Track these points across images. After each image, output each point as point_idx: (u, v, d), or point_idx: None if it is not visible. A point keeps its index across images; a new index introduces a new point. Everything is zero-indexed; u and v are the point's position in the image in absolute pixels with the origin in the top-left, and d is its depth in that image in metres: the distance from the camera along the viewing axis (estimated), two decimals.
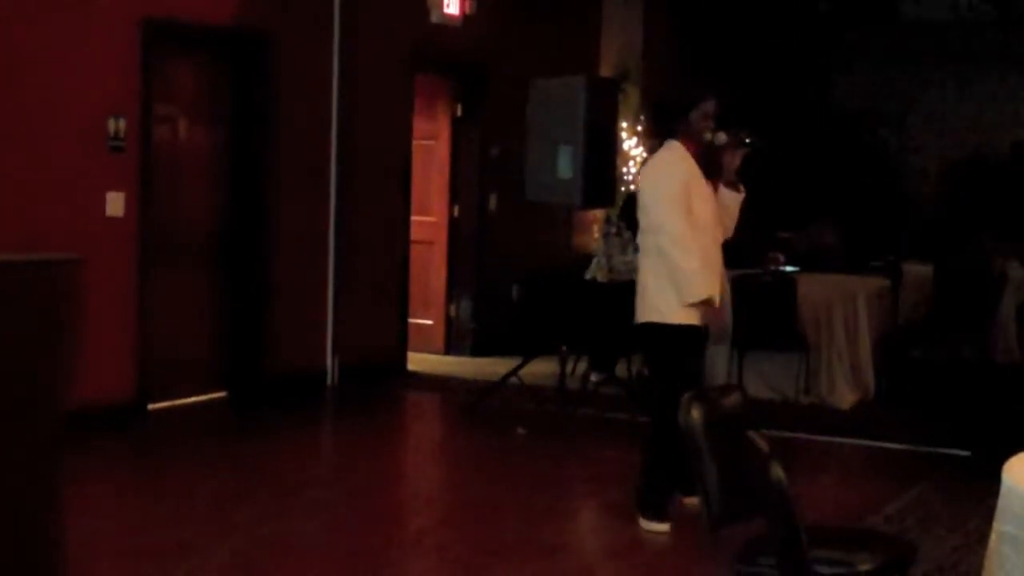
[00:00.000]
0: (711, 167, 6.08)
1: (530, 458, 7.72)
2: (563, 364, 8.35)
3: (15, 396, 3.80)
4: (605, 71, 12.51)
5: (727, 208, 6.13)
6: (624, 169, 12.29)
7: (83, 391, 6.03)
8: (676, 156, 5.99)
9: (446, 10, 10.58)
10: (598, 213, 11.22)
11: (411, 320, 10.70)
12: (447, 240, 11.27)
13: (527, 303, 10.91)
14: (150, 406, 8.20)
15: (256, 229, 8.95)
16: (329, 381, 9.60)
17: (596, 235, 11.44)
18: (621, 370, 9.46)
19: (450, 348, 11.27)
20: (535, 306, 10.52)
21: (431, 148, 11.17)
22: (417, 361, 10.65)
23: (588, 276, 9.60)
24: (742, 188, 6.17)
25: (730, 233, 6.27)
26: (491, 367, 10.06)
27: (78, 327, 4.26)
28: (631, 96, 12.59)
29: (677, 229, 5.84)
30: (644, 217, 6.05)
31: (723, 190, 6.11)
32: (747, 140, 6.02)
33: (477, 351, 11.11)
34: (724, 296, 6.65)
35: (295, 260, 9.29)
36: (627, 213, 9.69)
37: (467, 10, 10.78)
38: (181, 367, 8.54)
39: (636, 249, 9.48)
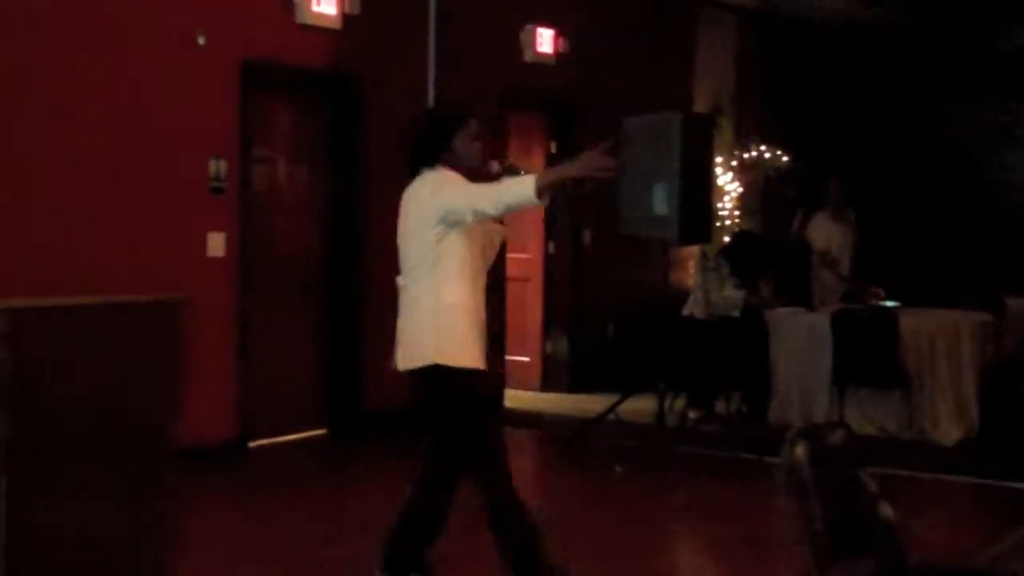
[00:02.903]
0: None
1: (628, 495, 7.67)
2: (661, 401, 8.30)
3: (126, 432, 3.89)
4: (699, 106, 12.49)
5: (492, 241, 5.41)
6: (719, 204, 12.25)
7: (186, 428, 6.09)
8: (446, 173, 5.17)
9: (539, 49, 10.63)
10: (694, 249, 11.17)
11: (508, 357, 10.71)
12: (543, 277, 11.29)
13: (623, 339, 10.87)
14: (251, 444, 8.28)
15: (352, 267, 9.03)
16: None
17: (692, 271, 11.38)
18: (720, 407, 9.39)
19: (546, 384, 11.26)
20: (631, 342, 10.48)
21: None
22: (514, 398, 10.65)
23: (685, 312, 9.55)
24: (504, 222, 5.47)
25: (487, 265, 5.41)
26: (587, 404, 10.04)
27: (184, 366, 4.34)
28: (725, 131, 12.55)
29: (477, 191, 5.13)
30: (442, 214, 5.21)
31: (489, 224, 5.33)
32: (522, 170, 5.38)
33: (573, 387, 11.09)
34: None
35: (391, 297, 9.32)
36: (730, 251, 9.65)
37: (560, 48, 10.82)
38: (281, 405, 8.62)
39: (734, 285, 9.50)
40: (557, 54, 10.79)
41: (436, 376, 5.07)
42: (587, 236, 11.32)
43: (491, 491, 5.23)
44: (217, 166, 8.03)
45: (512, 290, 10.79)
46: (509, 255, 10.64)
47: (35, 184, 7.04)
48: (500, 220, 5.39)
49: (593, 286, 11.29)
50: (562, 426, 9.60)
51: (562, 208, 5.02)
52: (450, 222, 5.03)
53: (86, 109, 7.30)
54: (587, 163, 5.15)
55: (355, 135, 9.07)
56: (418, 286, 5.14)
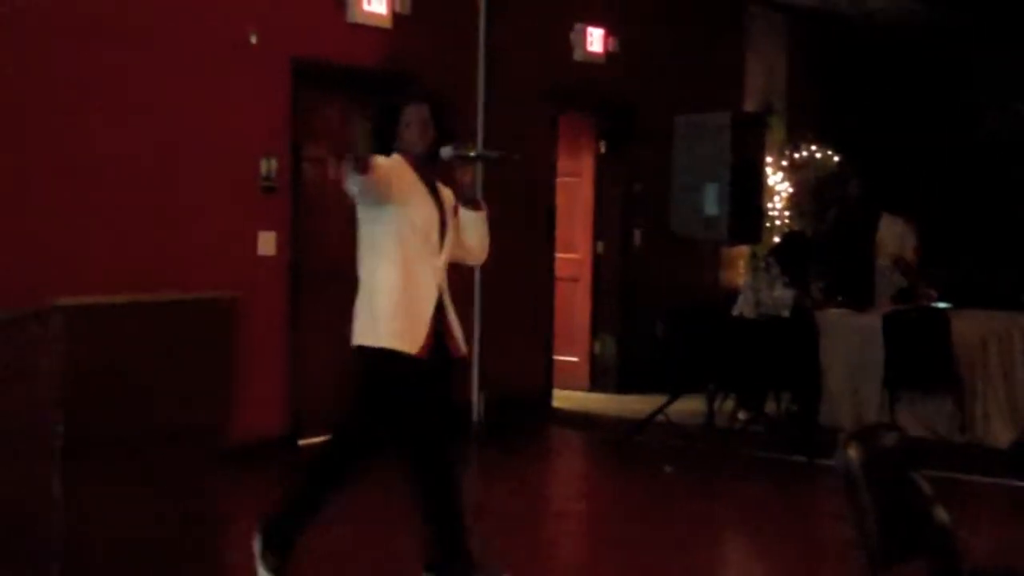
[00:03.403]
0: (459, 185, 5.33)
1: (677, 496, 7.64)
2: (711, 402, 8.26)
3: (178, 430, 3.91)
4: (749, 106, 12.43)
5: (469, 229, 5.37)
6: (769, 204, 12.18)
7: (237, 426, 6.11)
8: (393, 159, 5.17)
9: (589, 48, 10.61)
10: (744, 249, 11.12)
11: (556, 357, 10.70)
12: (591, 277, 11.28)
13: (672, 340, 10.81)
14: (300, 441, 8.31)
15: None
16: (475, 416, 9.64)
17: (742, 271, 11.34)
18: (769, 407, 9.33)
19: (595, 385, 11.25)
20: (680, 343, 10.43)
21: (575, 185, 11.20)
22: (562, 398, 10.64)
23: (735, 312, 9.50)
24: (482, 205, 5.41)
25: (480, 258, 5.54)
26: (636, 404, 10.01)
27: (235, 364, 4.37)
28: (776, 131, 12.48)
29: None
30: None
31: (462, 211, 5.34)
32: (473, 154, 5.26)
33: (622, 388, 11.07)
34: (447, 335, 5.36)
35: None
36: (780, 251, 9.58)
37: (610, 48, 10.80)
38: (331, 402, 8.62)
39: (785, 284, 9.44)
40: (607, 53, 10.77)
41: (361, 355, 5.08)
42: (637, 236, 11.29)
43: (334, 450, 5.30)
44: (268, 165, 8.06)
45: (561, 290, 10.78)
46: (558, 255, 10.64)
47: (88, 183, 7.09)
48: (476, 206, 5.34)
49: (642, 286, 11.25)
50: (611, 427, 9.58)
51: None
52: (363, 204, 5.07)
53: (140, 108, 7.34)
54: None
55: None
56: (360, 268, 5.18)
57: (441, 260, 5.24)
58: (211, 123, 7.73)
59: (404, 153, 5.21)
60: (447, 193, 5.37)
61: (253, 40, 7.91)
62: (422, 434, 5.24)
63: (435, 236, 5.21)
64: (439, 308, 5.23)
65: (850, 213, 10.77)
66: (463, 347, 5.37)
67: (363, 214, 5.15)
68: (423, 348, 5.10)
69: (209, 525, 4.07)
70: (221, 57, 7.78)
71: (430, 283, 5.19)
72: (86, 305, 3.79)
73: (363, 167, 4.77)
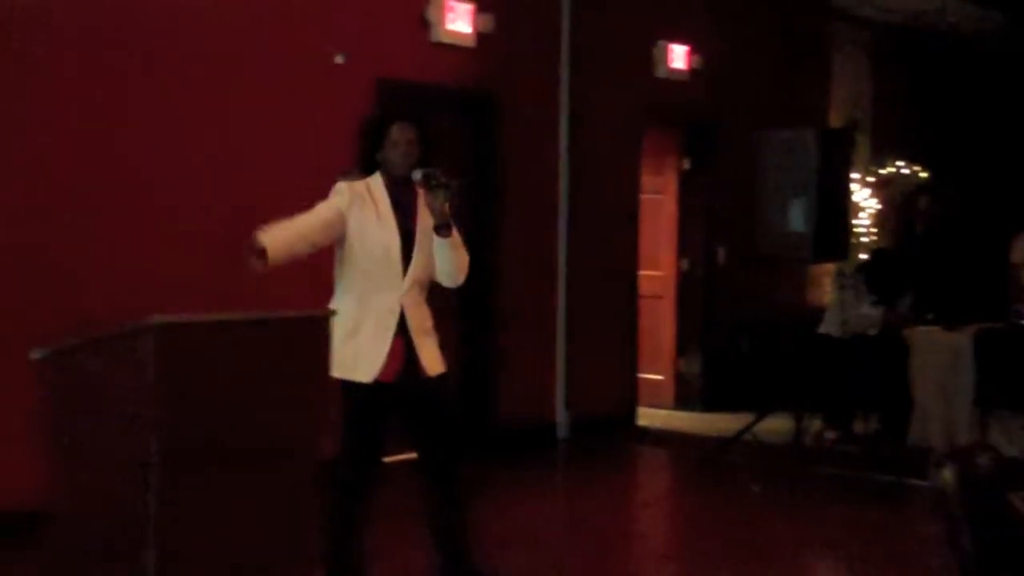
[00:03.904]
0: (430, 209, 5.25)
1: (765, 515, 7.57)
2: (798, 420, 8.19)
3: (271, 447, 3.95)
4: (834, 122, 12.33)
5: (438, 254, 5.33)
6: (855, 221, 12.06)
7: (327, 443, 6.14)
8: (361, 182, 5.28)
9: (673, 65, 10.58)
10: (830, 266, 11.02)
11: (640, 375, 10.66)
12: (676, 294, 11.23)
13: (758, 358, 10.75)
14: (385, 459, 8.31)
15: (488, 284, 9.06)
16: (560, 435, 9.63)
17: (828, 288, 11.22)
18: (858, 426, 9.23)
19: (680, 403, 11.19)
20: (766, 361, 10.36)
21: (659, 202, 11.16)
22: (647, 416, 10.60)
23: (821, 331, 9.40)
24: (452, 232, 5.30)
25: (454, 281, 5.48)
26: (722, 423, 9.94)
27: (329, 381, 4.39)
28: (861, 146, 12.37)
29: None
30: None
31: (434, 235, 5.29)
32: (442, 180, 5.13)
33: (707, 406, 11.00)
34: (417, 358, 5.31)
35: (526, 314, 9.38)
36: (868, 269, 9.49)
37: (694, 65, 10.76)
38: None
39: (872, 302, 9.34)
40: (691, 70, 10.73)
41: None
42: (721, 253, 11.23)
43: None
44: None
45: (645, 308, 10.74)
46: (641, 272, 10.61)
47: (176, 200, 7.18)
48: (444, 232, 5.28)
49: (727, 304, 11.19)
50: (696, 445, 9.52)
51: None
52: None
53: (227, 128, 7.43)
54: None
55: (489, 152, 9.11)
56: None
57: (405, 284, 5.22)
58: (296, 143, 7.79)
59: (387, 172, 5.26)
60: (424, 213, 5.32)
61: (339, 60, 7.97)
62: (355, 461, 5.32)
63: (397, 262, 5.21)
64: (404, 330, 5.20)
65: (927, 229, 10.58)
66: (435, 366, 5.30)
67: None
68: (386, 373, 5.13)
69: (303, 543, 4.09)
70: (307, 77, 7.84)
71: (392, 308, 5.18)
72: (180, 323, 3.82)
73: (260, 254, 4.88)
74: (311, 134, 7.88)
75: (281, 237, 5.00)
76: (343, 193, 5.23)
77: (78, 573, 4.11)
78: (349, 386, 5.10)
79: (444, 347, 5.45)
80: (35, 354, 4.12)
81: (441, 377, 5.33)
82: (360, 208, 5.20)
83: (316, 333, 4.22)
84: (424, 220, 5.31)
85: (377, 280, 5.18)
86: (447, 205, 5.23)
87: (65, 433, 4.09)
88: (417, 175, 5.17)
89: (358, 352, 5.09)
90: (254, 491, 3.93)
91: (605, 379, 10.08)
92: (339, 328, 4.84)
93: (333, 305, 5.09)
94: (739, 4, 11.33)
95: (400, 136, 5.24)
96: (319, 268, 5.50)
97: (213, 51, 7.36)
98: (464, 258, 5.46)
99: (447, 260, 5.37)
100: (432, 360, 5.29)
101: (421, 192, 5.24)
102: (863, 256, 11.09)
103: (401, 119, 5.31)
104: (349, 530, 5.26)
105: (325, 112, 7.96)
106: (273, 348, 4.02)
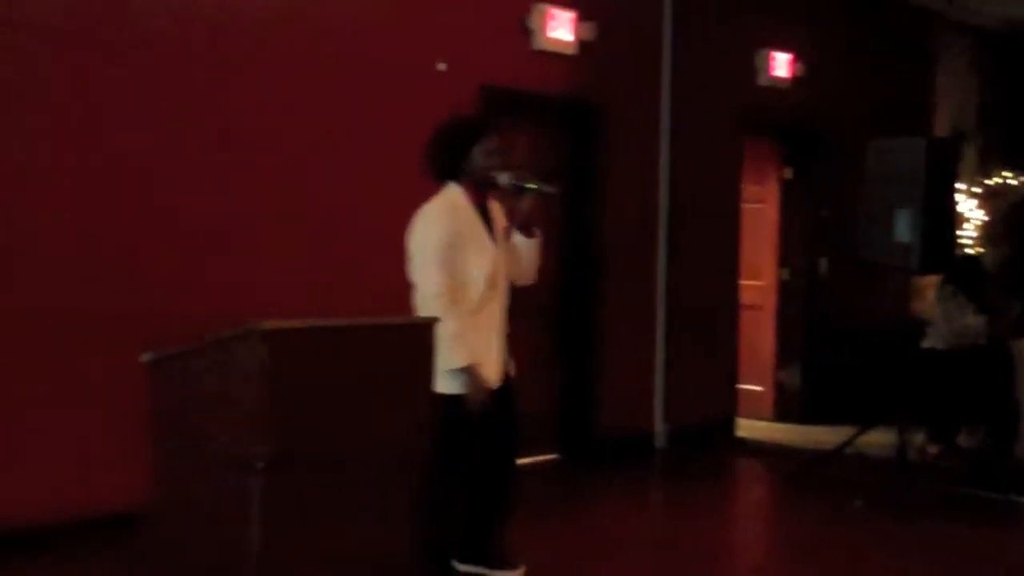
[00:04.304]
0: (514, 212, 5.45)
1: (866, 531, 7.44)
2: (901, 434, 8.05)
3: (377, 454, 3.97)
4: (939, 131, 12.15)
5: (523, 255, 5.51)
6: (961, 232, 11.88)
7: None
8: (448, 205, 5.34)
9: (775, 73, 10.49)
10: (932, 277, 10.85)
11: (740, 385, 10.57)
12: (776, 304, 11.12)
13: (860, 370, 10.60)
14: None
15: (588, 292, 9.04)
16: (658, 445, 9.57)
17: (931, 300, 11.05)
18: (963, 441, 9.06)
19: (779, 415, 11.07)
20: (869, 373, 10.22)
21: (760, 212, 11.07)
22: (746, 427, 10.51)
23: (926, 344, 9.24)
24: (537, 232, 5.49)
25: (531, 279, 5.68)
26: (822, 435, 9.82)
27: (430, 385, 4.40)
28: (967, 156, 12.18)
29: (431, 290, 5.16)
30: (412, 273, 5.35)
31: (516, 236, 5.47)
32: (531, 185, 5.31)
33: (807, 418, 10.87)
34: (506, 360, 5.60)
35: (626, 323, 9.34)
36: (959, 277, 9.32)
37: (796, 72, 10.66)
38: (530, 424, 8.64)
39: (975, 311, 9.17)
40: (793, 77, 10.63)
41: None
42: (823, 263, 11.10)
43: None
44: None
45: (745, 317, 10.66)
46: (742, 282, 10.53)
47: (286, 209, 7.24)
48: (532, 233, 5.46)
49: (828, 314, 11.06)
50: (796, 458, 9.40)
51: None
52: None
53: (333, 135, 7.48)
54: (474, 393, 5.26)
55: (591, 160, 9.08)
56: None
57: (502, 288, 5.47)
58: (400, 149, 7.81)
59: (469, 178, 5.35)
60: (498, 214, 5.49)
61: (441, 67, 8.00)
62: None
63: (500, 277, 5.43)
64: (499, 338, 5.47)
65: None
66: (513, 367, 5.63)
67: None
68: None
69: (408, 548, 4.10)
70: (411, 84, 7.88)
71: (498, 313, 5.47)
72: (288, 328, 3.85)
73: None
74: (414, 141, 7.88)
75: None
76: (442, 223, 5.29)
77: (181, 572, 4.15)
78: (446, 399, 5.15)
79: (546, 357, 5.59)
80: (144, 357, 4.18)
81: (512, 378, 5.60)
82: (458, 224, 5.31)
83: (420, 339, 4.24)
84: (498, 223, 5.47)
85: (485, 289, 5.33)
86: (535, 207, 5.39)
87: (171, 436, 4.14)
88: (505, 179, 5.29)
89: (479, 357, 5.26)
90: (357, 495, 3.96)
91: (704, 389, 10.01)
92: (465, 349, 5.16)
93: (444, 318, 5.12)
94: (842, 12, 11.21)
95: (495, 145, 5.36)
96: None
97: (320, 60, 7.40)
98: (540, 257, 5.63)
99: (531, 260, 5.55)
100: (512, 361, 5.57)
101: (495, 196, 5.41)
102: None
103: (495, 127, 5.43)
104: (490, 527, 5.53)
105: (428, 119, 7.95)
106: (377, 353, 4.05)
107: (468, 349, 5.17)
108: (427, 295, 5.17)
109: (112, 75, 6.53)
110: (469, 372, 5.18)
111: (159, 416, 4.18)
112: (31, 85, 6.24)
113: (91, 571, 5.88)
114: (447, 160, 5.40)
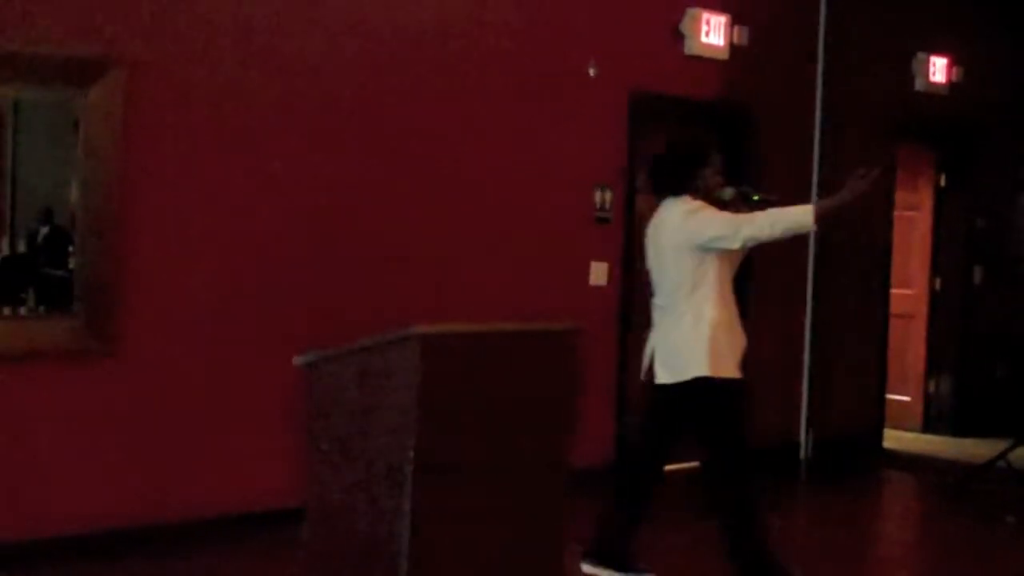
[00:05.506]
0: None
1: (1019, 549, 7.28)
2: None
3: (523, 459, 3.99)
4: None
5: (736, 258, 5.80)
6: None
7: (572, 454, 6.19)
8: (696, 204, 5.59)
9: (932, 78, 10.29)
10: None
11: (888, 396, 10.40)
12: (928, 314, 10.91)
13: (1015, 382, 10.35)
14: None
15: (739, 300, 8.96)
16: (802, 455, 9.46)
17: None
18: None
19: (929, 426, 10.87)
20: (1023, 385, 9.98)
21: (912, 219, 10.88)
22: (893, 438, 10.33)
23: None
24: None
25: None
26: (973, 448, 9.62)
27: (578, 391, 4.42)
28: None
29: (736, 221, 5.46)
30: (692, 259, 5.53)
31: None
32: (754, 196, 5.72)
33: (958, 430, 10.65)
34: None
35: (771, 332, 9.24)
36: None
37: (954, 78, 10.45)
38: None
39: None
40: (950, 83, 10.42)
41: (704, 388, 5.46)
42: (978, 272, 10.86)
43: (731, 488, 5.77)
44: (602, 196, 8.15)
45: (895, 326, 10.47)
46: (893, 290, 10.35)
47: (440, 215, 7.32)
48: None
49: (982, 324, 10.82)
50: (946, 471, 9.22)
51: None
52: (713, 248, 5.47)
53: (484, 141, 7.54)
54: (855, 189, 5.52)
55: (741, 165, 9.00)
56: (680, 306, 5.54)
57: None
58: (549, 153, 7.87)
59: (690, 194, 5.64)
60: None
61: (592, 73, 8.01)
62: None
63: (735, 267, 5.72)
64: None
65: None
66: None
67: (686, 259, 5.51)
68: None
69: (554, 554, 4.12)
70: (561, 90, 7.91)
71: (736, 311, 5.69)
72: (441, 332, 3.90)
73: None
74: (566, 146, 7.95)
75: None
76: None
77: (331, 573, 4.22)
78: (733, 383, 5.55)
79: None
80: (298, 360, 4.26)
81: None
82: None
83: (567, 347, 4.26)
84: None
85: (728, 286, 5.64)
86: None
87: (323, 437, 4.21)
88: (729, 194, 5.71)
89: (733, 351, 5.57)
90: (506, 500, 3.99)
91: (851, 399, 9.87)
92: (724, 331, 5.50)
93: (708, 309, 5.51)
94: (1001, 15, 10.94)
95: (719, 165, 5.73)
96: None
97: (475, 66, 7.48)
98: None
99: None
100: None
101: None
102: None
103: (716, 150, 5.79)
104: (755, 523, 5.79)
105: (579, 123, 8.01)
106: (527, 360, 4.07)
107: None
108: (738, 225, 5.42)
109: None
110: (831, 209, 5.56)
111: (311, 418, 4.26)
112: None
113: (247, 568, 6.01)
114: (675, 180, 5.68)
